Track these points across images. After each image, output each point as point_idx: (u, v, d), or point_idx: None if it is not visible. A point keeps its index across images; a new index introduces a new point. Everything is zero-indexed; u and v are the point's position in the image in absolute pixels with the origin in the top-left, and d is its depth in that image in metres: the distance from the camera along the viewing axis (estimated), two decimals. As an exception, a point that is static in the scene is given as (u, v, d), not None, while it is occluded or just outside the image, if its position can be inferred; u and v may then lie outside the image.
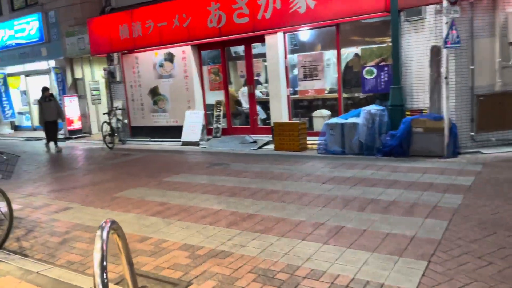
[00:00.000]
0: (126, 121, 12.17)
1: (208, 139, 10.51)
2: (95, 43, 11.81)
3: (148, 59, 11.34)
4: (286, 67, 9.34)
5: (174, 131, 11.09)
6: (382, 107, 7.62)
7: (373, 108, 7.61)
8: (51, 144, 11.12)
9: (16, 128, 16.98)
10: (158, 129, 11.55)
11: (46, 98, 10.91)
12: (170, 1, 10.12)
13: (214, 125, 10.57)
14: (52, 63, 14.32)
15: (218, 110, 10.58)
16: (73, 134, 13.51)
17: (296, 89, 9.47)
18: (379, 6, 7.57)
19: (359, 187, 5.37)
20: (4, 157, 4.62)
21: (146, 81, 11.52)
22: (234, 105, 11.00)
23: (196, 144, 10.29)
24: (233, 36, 9.49)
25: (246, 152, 8.85)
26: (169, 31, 10.25)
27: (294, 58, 9.41)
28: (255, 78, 10.18)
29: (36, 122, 16.22)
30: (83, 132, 13.88)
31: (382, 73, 8.17)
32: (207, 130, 10.64)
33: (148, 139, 11.65)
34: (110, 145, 10.77)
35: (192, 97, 10.71)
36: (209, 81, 10.77)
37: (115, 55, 12.03)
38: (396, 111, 7.54)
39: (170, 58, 10.90)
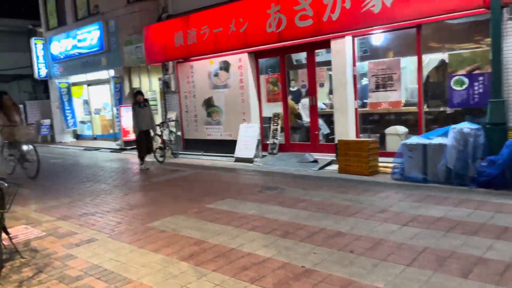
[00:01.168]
0: (179, 133, 11.56)
1: (264, 156, 9.50)
2: (150, 52, 11.37)
3: (203, 68, 10.64)
4: (354, 76, 8.09)
5: (228, 146, 10.24)
6: (477, 126, 6.10)
7: (466, 126, 6.11)
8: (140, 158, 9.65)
9: (77, 137, 17.26)
10: (212, 143, 10.77)
11: (141, 103, 9.32)
12: (227, 5, 9.33)
13: (271, 140, 9.55)
14: (112, 72, 14.24)
15: (275, 124, 9.54)
16: (129, 145, 13.19)
17: (366, 101, 8.17)
18: (477, 1, 6.11)
19: (455, 235, 4.00)
20: (5, 185, 3.91)
21: (200, 91, 10.82)
22: (294, 119, 9.91)
23: (249, 161, 9.32)
24: (294, 41, 8.44)
25: (305, 173, 7.70)
26: (225, 37, 9.44)
27: (364, 65, 8.13)
28: (319, 87, 9.02)
29: (97, 131, 16.34)
30: (138, 143, 13.52)
31: (476, 84, 6.65)
32: (263, 145, 9.65)
33: (201, 153, 10.91)
34: (160, 159, 10.14)
35: (247, 109, 9.79)
36: (266, 92, 9.80)
37: (170, 63, 11.50)
38: (496, 131, 5.99)
39: (225, 66, 10.10)
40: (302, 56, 9.50)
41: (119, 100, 13.70)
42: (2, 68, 23.38)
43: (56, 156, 12.59)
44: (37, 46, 16.46)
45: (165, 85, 11.69)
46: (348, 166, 7.25)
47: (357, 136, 8.14)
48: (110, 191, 7.20)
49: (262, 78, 9.85)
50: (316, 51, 8.85)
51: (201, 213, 5.38)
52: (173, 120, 11.33)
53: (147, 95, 13.75)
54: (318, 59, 8.98)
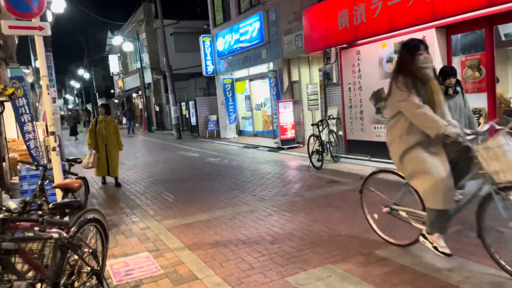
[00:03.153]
0: (341, 133, 9.77)
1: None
2: (310, 39, 9.85)
3: (372, 54, 8.58)
4: None
5: (403, 151, 7.99)
6: None
7: None
8: None
9: (240, 133, 17.14)
10: (381, 146, 8.62)
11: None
12: (407, -34, 7.06)
13: (467, 147, 6.92)
14: (271, 65, 13.34)
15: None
16: (286, 143, 12.08)
17: None
18: None
19: None
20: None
21: (368, 82, 8.79)
22: (503, 116, 7.03)
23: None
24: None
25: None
26: (404, 10, 7.19)
27: None
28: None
29: (258, 127, 15.84)
30: (297, 141, 12.30)
31: None
32: (454, 153, 7.08)
33: (367, 158, 8.92)
34: (317, 164, 8.57)
35: (432, 103, 7.34)
36: (462, 79, 7.16)
37: (332, 51, 9.77)
38: None
39: (402, 49, 7.82)
40: (522, 25, 6.56)
41: (276, 95, 12.69)
42: (183, 67, 25.55)
43: (215, 154, 12.34)
44: (205, 43, 16.87)
45: (326, 76, 10.03)
46: None
47: None
48: (253, 207, 5.96)
49: (456, 60, 7.24)
50: (551, 15, 5.87)
51: (374, 269, 3.54)
52: (334, 118, 9.61)
53: (307, 89, 12.36)
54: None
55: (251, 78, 15.72)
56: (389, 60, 8.16)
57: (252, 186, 7.43)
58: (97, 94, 44.53)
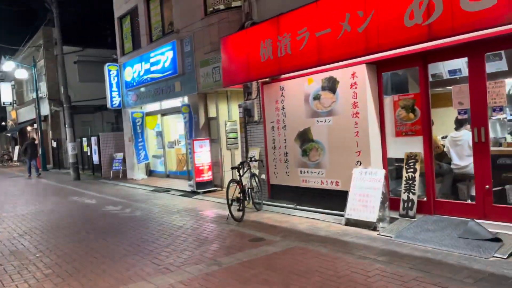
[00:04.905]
0: (263, 176, 8.67)
1: (393, 219, 6.16)
2: (229, 71, 8.79)
3: (297, 89, 7.74)
4: None
5: (333, 198, 7.11)
6: None
7: None
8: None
9: (150, 173, 15.30)
10: (309, 192, 7.68)
11: None
12: (337, -5, 6.39)
13: (404, 195, 6.20)
14: (186, 99, 12.03)
15: (410, 170, 6.19)
16: (202, 187, 10.64)
17: None
18: None
19: None
20: None
21: (293, 120, 7.89)
22: (440, 162, 6.50)
23: (370, 226, 6.06)
24: (455, 38, 5.16)
25: (482, 262, 4.27)
26: (333, 42, 6.46)
27: None
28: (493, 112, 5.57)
29: (171, 167, 14.21)
30: (214, 184, 10.93)
31: None
32: (390, 202, 6.32)
33: (292, 205, 7.86)
34: (237, 215, 7.27)
35: (365, 146, 6.59)
36: (394, 121, 6.54)
37: (254, 85, 8.80)
38: None
39: (330, 85, 7.08)
40: (456, 65, 6.15)
41: (189, 133, 11.33)
42: (89, 99, 23.05)
43: (116, 201, 10.43)
44: (110, 72, 15.06)
45: (247, 113, 8.98)
46: None
47: None
48: (153, 285, 4.41)
49: (388, 100, 6.62)
50: (487, 54, 5.46)
51: None
52: (256, 160, 8.50)
53: (226, 126, 11.21)
54: (490, 68, 5.57)
55: (164, 113, 14.20)
56: (316, 98, 7.35)
57: (156, 248, 5.84)
58: (-15, 126, 38.95)
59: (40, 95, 23.08)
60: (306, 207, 7.62)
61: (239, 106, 9.31)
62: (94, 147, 17.09)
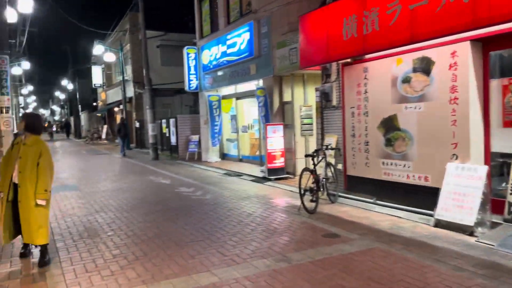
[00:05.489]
0: (340, 166, 8.03)
1: (495, 224, 5.23)
2: (307, 52, 8.19)
3: (383, 71, 6.93)
4: None
5: (420, 195, 6.29)
6: None
7: None
8: None
9: (223, 156, 15.31)
10: (391, 187, 6.91)
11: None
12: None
13: (510, 197, 5.22)
14: (261, 82, 11.67)
15: (521, 168, 5.18)
16: (274, 173, 10.27)
17: None
18: None
19: None
20: None
21: (376, 106, 7.12)
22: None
23: (466, 231, 5.20)
24: None
25: None
26: (430, 15, 5.56)
27: None
28: None
29: (244, 151, 14.06)
30: (286, 172, 10.50)
31: None
32: (492, 204, 5.37)
33: (372, 200, 7.15)
34: (310, 206, 6.77)
35: (463, 137, 5.66)
36: (501, 109, 5.51)
37: (333, 66, 8.12)
38: None
39: (424, 66, 6.19)
40: None
41: (264, 117, 10.96)
42: (170, 82, 23.79)
43: (189, 182, 10.47)
44: (189, 55, 15.19)
45: (324, 97, 8.35)
46: None
47: None
48: (217, 278, 4.10)
49: (495, 84, 5.60)
50: None
51: None
52: (332, 148, 7.88)
53: (300, 111, 10.67)
54: None
55: (239, 96, 14.01)
56: (405, 80, 6.50)
57: (223, 235, 5.57)
58: (80, 106, 42.52)
59: (126, 78, 24.35)
60: (387, 202, 6.87)
61: (316, 89, 8.70)
62: (172, 129, 17.55)
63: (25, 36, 25.06)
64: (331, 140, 8.17)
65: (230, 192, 8.82)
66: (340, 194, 7.73)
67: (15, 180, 4.53)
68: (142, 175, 12.06)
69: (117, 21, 25.90)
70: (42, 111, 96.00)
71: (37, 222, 4.49)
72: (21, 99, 47.71)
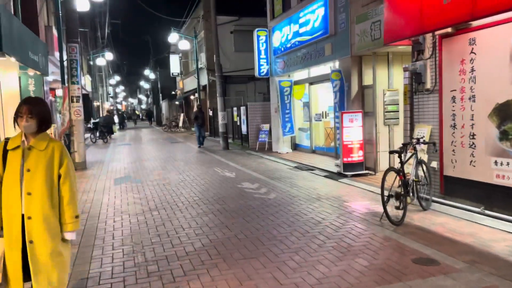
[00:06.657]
0: (434, 164, 6.46)
1: None
2: (393, 24, 6.67)
3: (498, 42, 5.24)
4: None
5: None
6: None
7: None
8: None
9: (295, 147, 14.17)
10: (506, 194, 5.26)
11: None
12: None
13: None
14: (337, 64, 10.27)
15: None
16: (350, 169, 8.92)
17: None
18: None
19: None
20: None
21: (488, 88, 5.45)
22: None
23: None
24: None
25: None
26: None
27: None
28: None
29: (318, 142, 12.82)
30: (365, 167, 9.07)
31: None
32: None
33: (479, 210, 5.56)
34: (396, 215, 5.40)
35: None
36: None
37: (428, 40, 6.51)
38: None
39: None
40: None
41: (340, 104, 9.58)
42: (243, 68, 23.11)
43: (255, 177, 9.53)
44: (259, 38, 14.18)
45: (415, 78, 6.78)
46: None
47: None
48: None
49: None
50: None
51: None
52: (425, 142, 6.34)
53: (384, 96, 9.12)
54: None
55: (312, 81, 12.70)
56: (533, 53, 4.78)
57: (283, 252, 4.49)
58: (161, 95, 44.05)
59: (200, 66, 24.18)
60: (500, 213, 5.26)
61: (405, 69, 7.13)
62: (243, 117, 16.82)
63: (106, 29, 26.11)
64: (424, 131, 6.61)
65: (298, 191, 7.69)
66: (434, 199, 6.21)
67: (25, 208, 2.76)
68: (209, 166, 11.41)
69: (191, 7, 25.80)
70: (130, 100, 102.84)
71: (59, 263, 2.86)
72: (110, 89, 50.86)
